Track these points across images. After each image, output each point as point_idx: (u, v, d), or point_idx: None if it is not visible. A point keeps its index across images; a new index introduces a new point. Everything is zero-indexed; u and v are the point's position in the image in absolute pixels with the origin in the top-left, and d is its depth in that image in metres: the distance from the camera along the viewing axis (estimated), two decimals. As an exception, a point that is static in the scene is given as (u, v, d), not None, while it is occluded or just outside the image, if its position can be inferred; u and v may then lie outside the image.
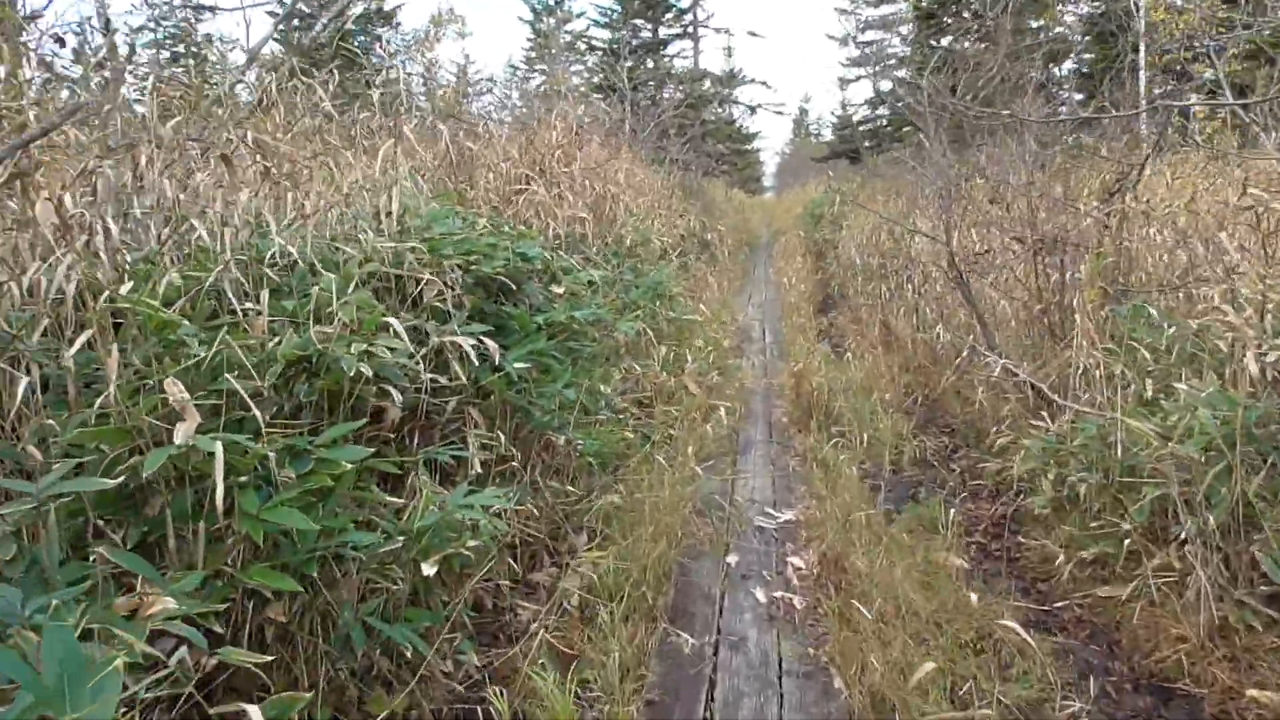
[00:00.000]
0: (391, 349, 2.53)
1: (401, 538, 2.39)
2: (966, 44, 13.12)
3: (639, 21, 18.34)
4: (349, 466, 2.17)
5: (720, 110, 19.25)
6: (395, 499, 2.60)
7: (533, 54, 25.45)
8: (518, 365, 3.28)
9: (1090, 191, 4.94)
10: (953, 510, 3.94)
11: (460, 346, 2.98)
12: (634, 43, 17.52)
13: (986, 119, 6.40)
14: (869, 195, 12.02)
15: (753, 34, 18.66)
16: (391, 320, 2.49)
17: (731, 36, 18.12)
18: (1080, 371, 3.82)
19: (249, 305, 2.64)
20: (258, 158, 3.05)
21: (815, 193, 19.96)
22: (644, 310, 6.07)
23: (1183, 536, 2.85)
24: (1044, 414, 4.26)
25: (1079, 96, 15.54)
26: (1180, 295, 4.47)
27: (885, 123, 16.98)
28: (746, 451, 4.87)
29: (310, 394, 2.39)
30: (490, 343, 3.16)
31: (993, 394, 4.94)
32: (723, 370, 5.95)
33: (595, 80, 17.79)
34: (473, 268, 3.64)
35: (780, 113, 24.62)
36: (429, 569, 2.26)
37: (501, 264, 3.73)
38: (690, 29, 18.66)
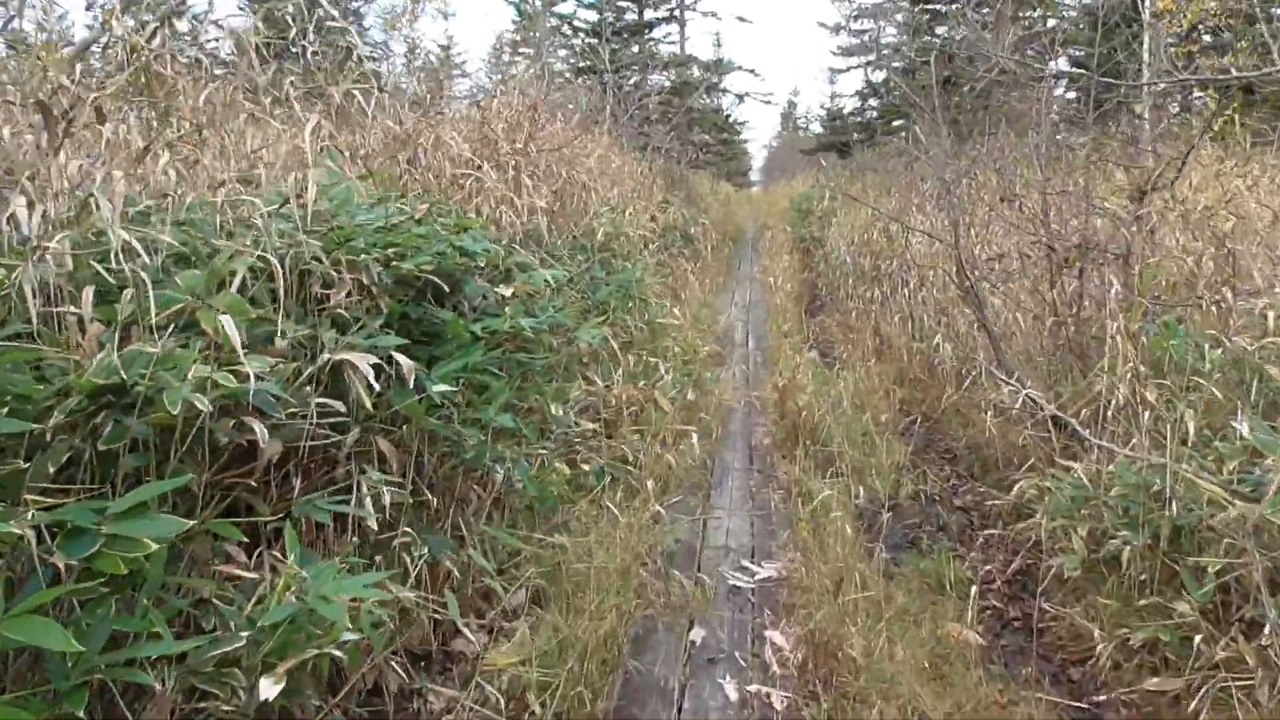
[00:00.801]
0: (233, 375, 1.90)
1: (246, 633, 1.78)
2: (963, 32, 12.57)
3: (624, 3, 17.65)
4: (154, 546, 1.56)
5: (707, 98, 18.58)
6: (253, 574, 1.99)
7: (517, 37, 24.71)
8: (439, 388, 2.67)
9: (1113, 191, 4.37)
10: (962, 564, 3.37)
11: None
12: (617, 25, 16.83)
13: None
14: (860, 190, 11.45)
15: (741, 19, 18.01)
16: (224, 322, 1.85)
17: (719, 20, 17.38)
18: (1117, 403, 3.25)
19: (71, 309, 2.02)
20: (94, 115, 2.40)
21: (803, 186, 19.40)
22: (614, 313, 5.47)
23: (1266, 630, 2.28)
24: (1065, 449, 3.70)
25: (1071, 95, 14.98)
26: (1213, 310, 3.93)
27: (877, 114, 16.40)
28: (723, 483, 4.27)
29: (118, 436, 1.76)
30: (404, 359, 2.55)
31: (1002, 420, 4.36)
32: (699, 383, 5.35)
33: (579, 65, 17.11)
34: (394, 264, 3.02)
35: (768, 102, 23.92)
36: (269, 688, 1.64)
37: (429, 260, 3.10)
38: (677, 12, 17.99)
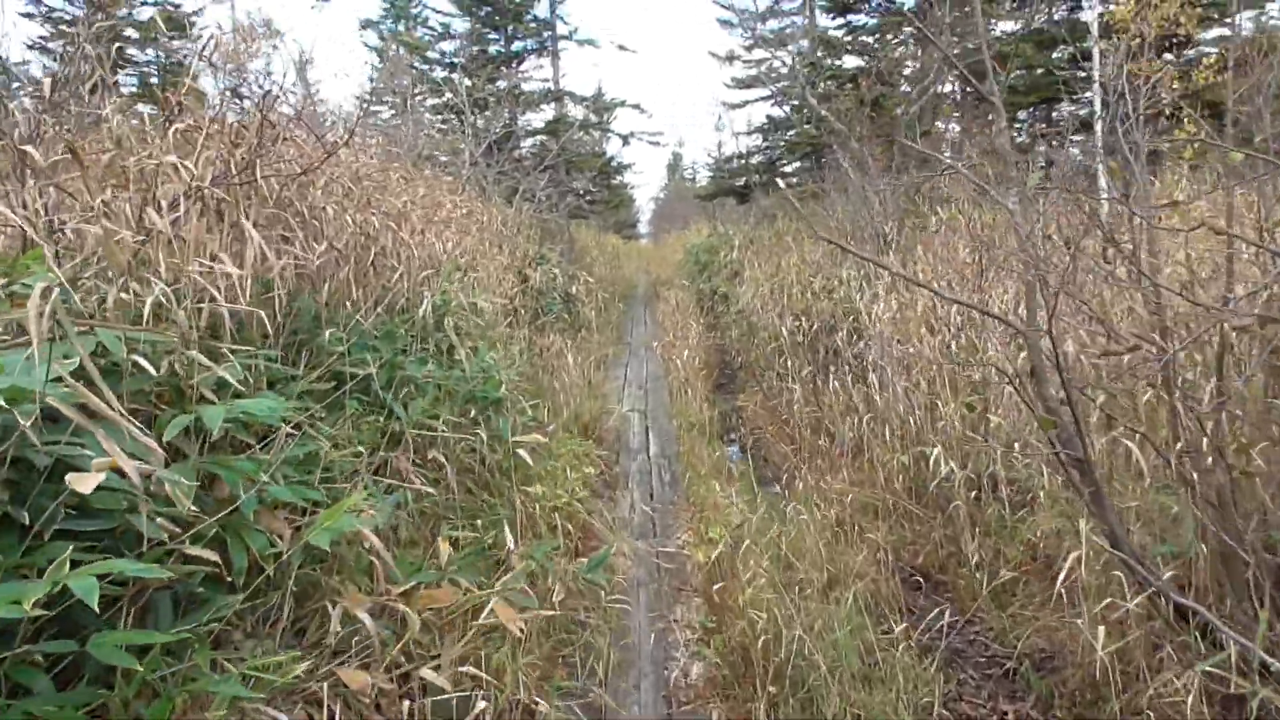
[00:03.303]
0: None
1: None
2: (893, 47, 11.23)
3: (490, 34, 15.84)
4: None
5: (587, 136, 16.85)
6: None
7: (380, 85, 22.56)
8: None
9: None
10: None
11: None
12: (476, 51, 14.95)
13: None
14: (775, 237, 9.83)
15: (622, 48, 16.27)
16: None
17: (598, 49, 15.69)
18: None
19: None
20: None
21: (697, 236, 17.91)
22: (443, 442, 3.48)
23: None
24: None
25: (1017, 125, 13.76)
26: None
27: (782, 151, 14.98)
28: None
29: None
30: None
31: (1131, 635, 2.52)
32: (571, 568, 3.27)
33: (435, 104, 15.16)
34: None
35: (657, 143, 22.49)
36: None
37: None
38: (548, 44, 16.29)
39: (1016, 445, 3.80)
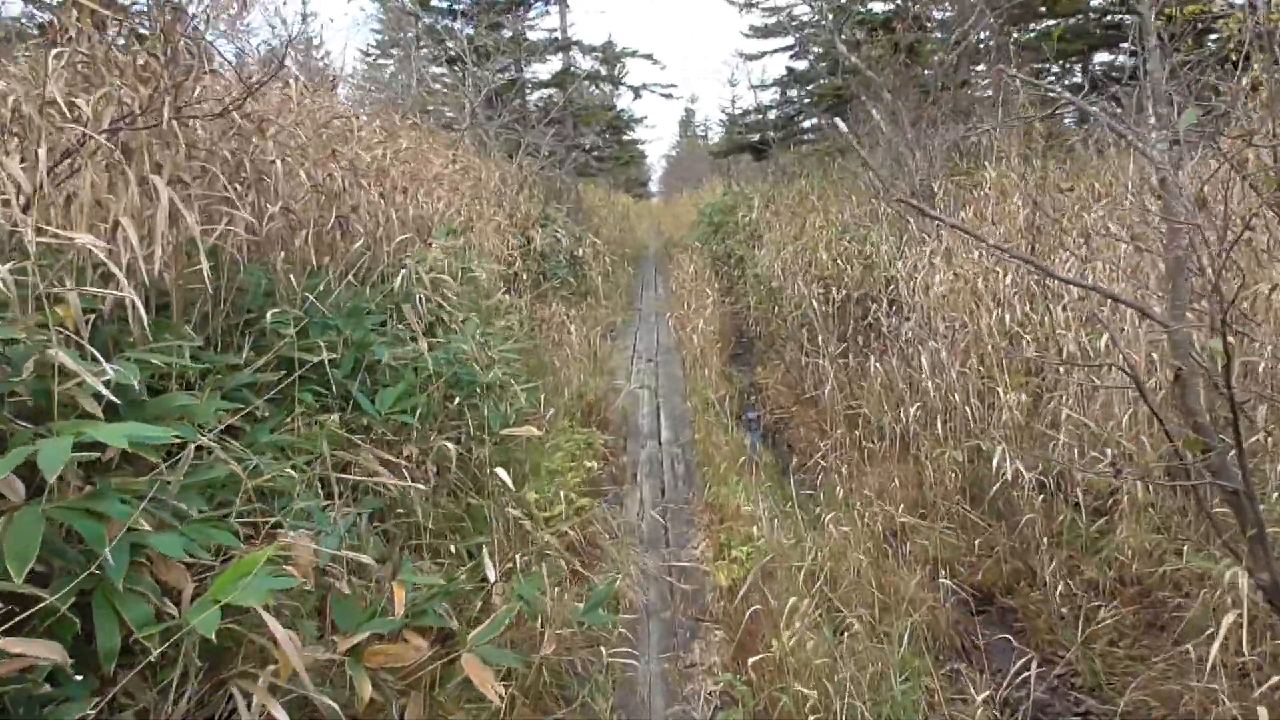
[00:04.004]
0: None
1: None
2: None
3: (491, -22, 15.01)
4: None
5: (596, 88, 16.08)
6: None
7: (384, 39, 21.82)
8: None
9: None
10: None
11: None
12: (482, 2, 14.16)
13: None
14: (798, 196, 9.16)
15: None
16: None
17: (608, -5, 14.79)
18: None
19: None
20: None
21: (711, 195, 17.18)
22: (422, 435, 2.95)
23: None
24: None
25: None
26: None
27: (804, 104, 14.21)
28: None
29: None
30: None
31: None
32: (566, 602, 2.70)
33: (437, 55, 14.40)
34: None
35: (670, 95, 21.67)
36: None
37: None
38: (556, -10, 15.45)
39: (1108, 453, 3.21)
